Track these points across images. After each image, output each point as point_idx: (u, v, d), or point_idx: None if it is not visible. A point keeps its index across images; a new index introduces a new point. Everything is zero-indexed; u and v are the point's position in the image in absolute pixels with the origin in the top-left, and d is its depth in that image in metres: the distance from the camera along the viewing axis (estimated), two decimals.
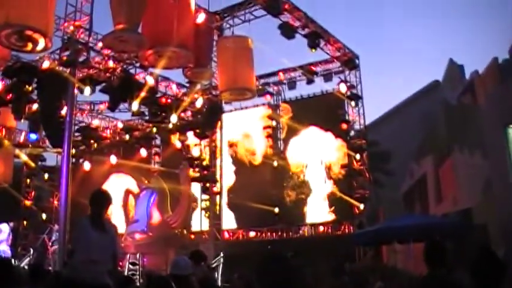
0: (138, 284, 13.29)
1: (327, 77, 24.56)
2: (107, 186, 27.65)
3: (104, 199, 6.59)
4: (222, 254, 20.82)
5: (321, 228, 24.12)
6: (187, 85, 21.52)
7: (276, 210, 24.80)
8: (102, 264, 6.24)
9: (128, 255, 19.86)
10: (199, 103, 22.16)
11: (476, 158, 18.25)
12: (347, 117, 24.08)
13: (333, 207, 24.02)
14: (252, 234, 25.73)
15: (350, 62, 23.83)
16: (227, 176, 26.92)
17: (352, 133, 24.00)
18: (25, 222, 25.63)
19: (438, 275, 5.19)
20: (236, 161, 27.79)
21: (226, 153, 27.09)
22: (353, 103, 23.88)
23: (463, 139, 19.14)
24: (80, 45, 17.40)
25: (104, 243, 6.24)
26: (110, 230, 6.53)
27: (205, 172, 23.70)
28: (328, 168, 24.64)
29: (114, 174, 28.84)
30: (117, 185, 28.63)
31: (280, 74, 26.03)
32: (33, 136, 23.19)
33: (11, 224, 22.78)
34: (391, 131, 29.91)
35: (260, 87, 25.27)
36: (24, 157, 25.32)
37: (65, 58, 17.40)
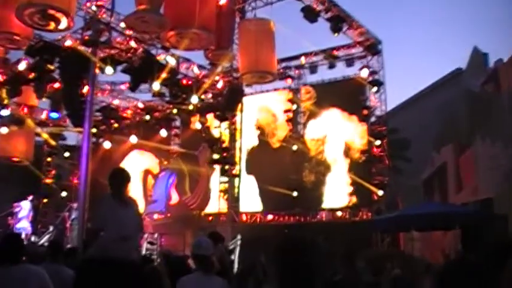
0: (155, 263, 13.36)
1: (349, 62, 24.32)
2: (126, 163, 27.88)
3: (124, 177, 6.61)
4: (239, 237, 20.89)
5: (339, 213, 24.04)
6: (209, 67, 21.50)
7: (295, 194, 24.72)
8: (132, 240, 6.31)
9: (146, 235, 20.04)
10: (220, 85, 22.17)
11: (497, 147, 18.07)
12: (368, 103, 23.90)
13: (352, 189, 23.84)
14: (269, 217, 25.73)
15: (373, 47, 23.60)
16: (250, 140, 26.99)
17: (372, 119, 23.80)
18: (45, 200, 25.96)
19: (471, 259, 5.19)
20: (260, 134, 27.51)
21: (250, 134, 27.00)
22: (374, 89, 23.67)
23: (485, 128, 18.96)
24: (102, 25, 17.50)
25: (131, 219, 6.29)
26: (133, 205, 6.57)
27: (225, 154, 23.72)
28: (348, 149, 24.48)
29: (136, 150, 28.97)
30: (137, 163, 28.84)
31: (302, 57, 25.86)
32: (54, 115, 23.40)
33: (30, 198, 23.01)
34: (412, 118, 29.68)
35: (281, 70, 25.13)
36: (45, 135, 25.58)
37: (86, 38, 17.52)
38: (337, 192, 24.22)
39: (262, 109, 27.47)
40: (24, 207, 22.47)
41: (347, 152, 24.46)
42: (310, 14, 20.15)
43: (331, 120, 25.11)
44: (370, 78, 23.58)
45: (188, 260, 8.50)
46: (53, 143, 25.74)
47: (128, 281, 5.93)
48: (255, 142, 27.31)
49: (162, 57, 19.69)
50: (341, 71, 24.97)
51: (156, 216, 25.53)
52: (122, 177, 6.57)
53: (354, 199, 23.71)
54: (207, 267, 5.31)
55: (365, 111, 23.67)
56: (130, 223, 6.28)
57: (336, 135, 24.91)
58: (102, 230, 6.37)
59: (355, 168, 23.93)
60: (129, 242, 6.25)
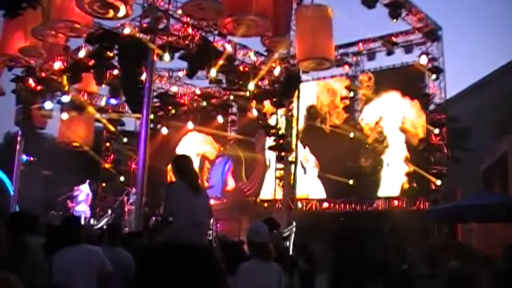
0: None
1: (408, 48, 23.91)
2: (184, 146, 28.21)
3: (191, 163, 6.67)
4: (294, 224, 20.88)
5: (395, 202, 23.78)
6: (266, 53, 21.48)
7: (351, 182, 24.53)
8: (205, 225, 6.38)
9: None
10: (277, 72, 22.12)
11: None
12: (427, 91, 23.46)
13: (409, 177, 23.46)
14: (325, 205, 25.64)
15: (432, 33, 23.12)
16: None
17: (431, 107, 23.37)
18: (104, 184, 26.51)
19: None
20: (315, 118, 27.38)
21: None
22: (434, 76, 23.21)
23: None
24: (160, 12, 17.69)
25: (203, 205, 6.31)
26: (204, 192, 6.60)
27: (281, 141, 23.71)
28: (405, 132, 24.10)
29: (195, 132, 29.15)
30: (194, 147, 29.11)
31: (360, 44, 25.54)
32: (113, 101, 23.81)
33: (88, 182, 23.49)
34: (473, 106, 28.93)
35: (338, 57, 24.87)
36: (104, 121, 26.07)
37: (145, 25, 17.76)
38: (393, 181, 23.94)
39: (327, 87, 27.22)
40: (84, 190, 22.97)
41: (405, 136, 24.07)
42: (368, 0, 19.86)
43: (390, 101, 24.79)
44: (430, 65, 23.14)
45: (243, 246, 8.55)
46: (112, 128, 26.20)
47: (201, 266, 5.99)
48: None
49: (219, 44, 19.76)
50: (399, 57, 24.60)
51: (212, 201, 25.69)
52: (190, 163, 6.64)
53: (411, 188, 23.37)
54: (264, 254, 5.30)
55: (424, 99, 23.28)
56: (203, 208, 6.31)
57: (394, 116, 24.54)
58: (172, 217, 6.43)
59: (413, 156, 23.59)
60: (201, 227, 6.29)
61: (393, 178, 24.04)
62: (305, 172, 26.38)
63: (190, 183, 6.32)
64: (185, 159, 6.73)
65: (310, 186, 26.47)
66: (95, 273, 5.78)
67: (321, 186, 26.35)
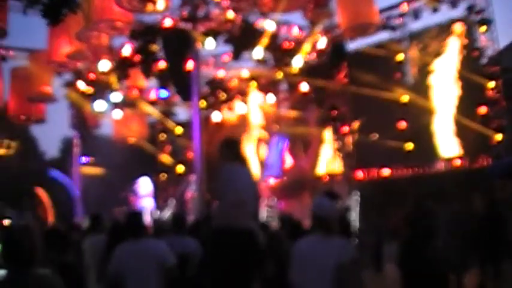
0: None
1: (454, 2, 23.23)
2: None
3: (236, 145, 6.63)
4: (357, 193, 20.79)
5: (457, 162, 23.22)
6: (309, 27, 21.27)
7: (408, 146, 24.05)
8: (248, 205, 6.23)
9: (265, 200, 20.36)
10: (322, 44, 21.90)
11: None
12: (478, 44, 22.80)
13: (468, 134, 22.81)
14: (385, 172, 25.27)
15: None
16: None
17: (484, 60, 22.70)
18: (164, 176, 26.87)
19: None
20: None
21: None
22: (483, 28, 22.51)
23: None
24: (198, 0, 17.73)
25: (247, 182, 6.29)
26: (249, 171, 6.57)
27: (335, 112, 23.56)
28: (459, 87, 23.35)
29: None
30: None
31: (404, 5, 24.91)
32: (163, 93, 24.05)
33: (147, 175, 23.89)
34: None
35: (383, 21, 24.32)
36: (157, 114, 26.41)
37: (185, 14, 17.84)
38: (453, 140, 23.37)
39: None
40: (145, 184, 23.37)
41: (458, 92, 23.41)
42: None
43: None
44: (478, 18, 22.47)
45: (304, 222, 8.58)
46: (165, 120, 26.50)
47: (237, 249, 5.99)
48: None
49: (261, 23, 19.67)
50: (446, 14, 23.91)
51: (272, 181, 25.80)
52: (235, 146, 6.60)
53: (471, 145, 22.75)
54: (327, 229, 5.20)
55: (476, 52, 22.65)
56: (247, 185, 6.27)
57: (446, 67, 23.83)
58: (219, 199, 6.46)
59: (470, 112, 22.92)
60: (246, 207, 6.22)
61: (452, 139, 23.41)
62: None
63: (238, 163, 6.32)
64: (231, 141, 6.70)
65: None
66: (154, 266, 5.92)
67: None
